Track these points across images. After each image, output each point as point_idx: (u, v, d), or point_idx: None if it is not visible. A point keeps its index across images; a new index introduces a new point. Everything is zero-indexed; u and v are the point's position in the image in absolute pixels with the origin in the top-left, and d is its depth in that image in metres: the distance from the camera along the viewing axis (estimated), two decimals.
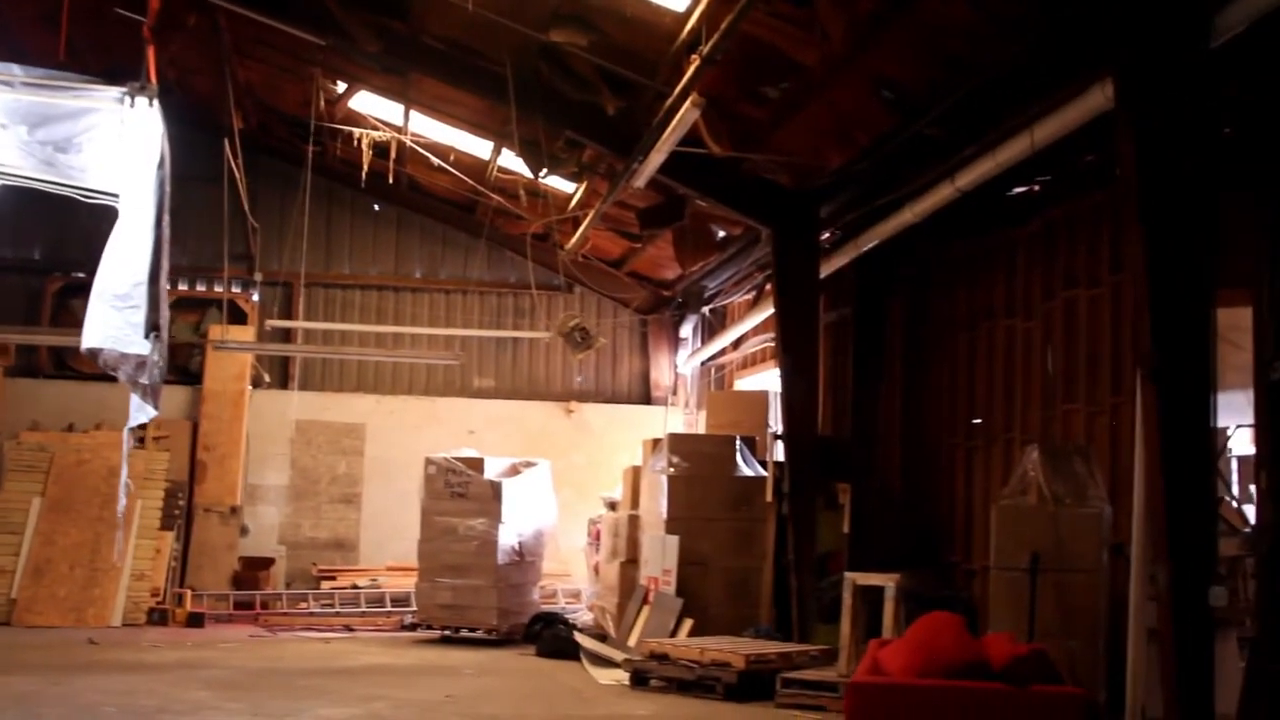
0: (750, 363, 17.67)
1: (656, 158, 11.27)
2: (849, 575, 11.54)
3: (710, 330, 18.97)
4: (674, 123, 10.43)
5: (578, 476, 18.57)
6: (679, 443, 14.16)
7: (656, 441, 14.61)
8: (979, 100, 9.79)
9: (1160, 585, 6.66)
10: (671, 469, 13.72)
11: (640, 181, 12.02)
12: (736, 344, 17.82)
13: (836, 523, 13.30)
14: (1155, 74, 6.77)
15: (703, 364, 19.41)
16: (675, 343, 20.24)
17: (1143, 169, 6.84)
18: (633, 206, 15.41)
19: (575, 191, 15.85)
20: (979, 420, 13.09)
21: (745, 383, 17.70)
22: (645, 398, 20.34)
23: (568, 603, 17.47)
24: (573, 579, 18.21)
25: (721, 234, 15.77)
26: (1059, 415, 11.77)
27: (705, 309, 18.85)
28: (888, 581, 10.98)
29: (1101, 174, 10.03)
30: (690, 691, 10.88)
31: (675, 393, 20.13)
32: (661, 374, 20.38)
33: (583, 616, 15.98)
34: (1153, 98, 6.77)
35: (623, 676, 11.78)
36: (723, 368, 18.75)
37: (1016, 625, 9.88)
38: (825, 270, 13.37)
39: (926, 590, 11.85)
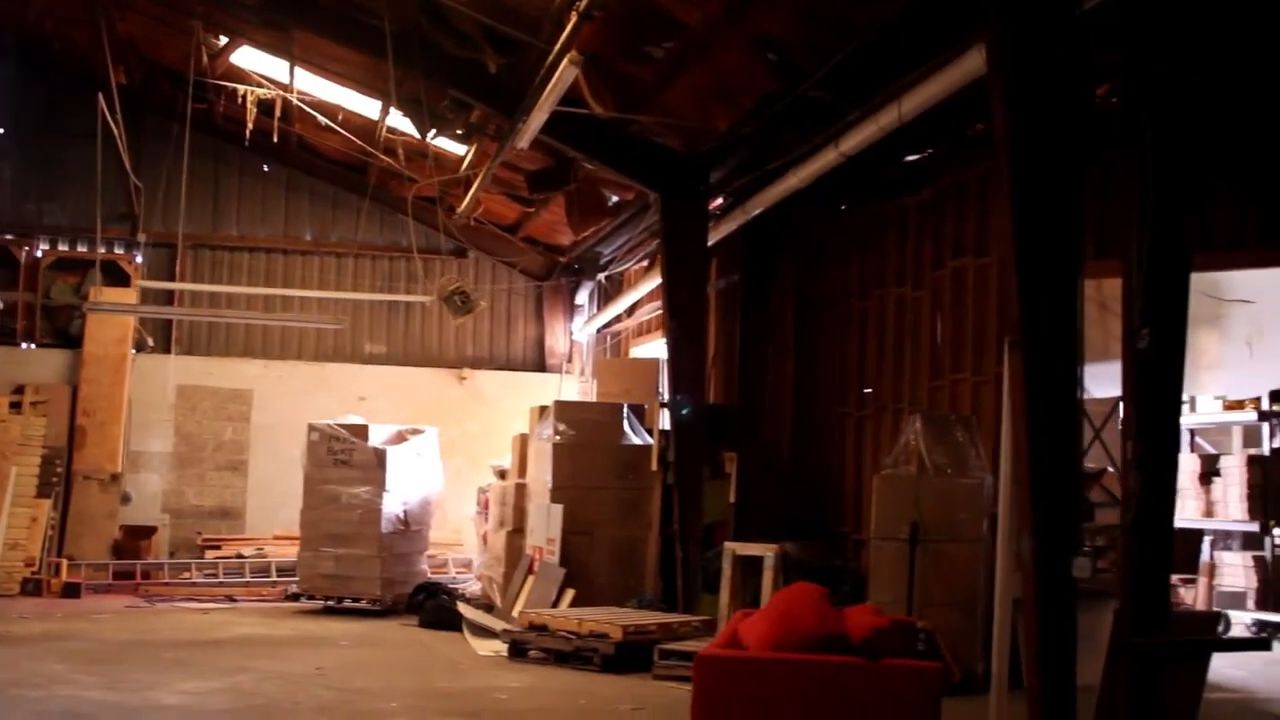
0: (644, 330, 17.46)
1: (538, 117, 10.98)
2: (728, 545, 11.45)
3: (605, 297, 18.72)
4: (553, 81, 10.15)
5: (471, 444, 18.27)
6: (566, 410, 13.92)
7: (544, 409, 14.37)
8: (861, 62, 9.58)
9: (1024, 555, 6.54)
10: (558, 437, 13.49)
11: (523, 142, 11.72)
12: (630, 311, 17.60)
13: (724, 492, 13.18)
14: (1024, 37, 6.59)
15: (598, 331, 19.17)
16: (571, 309, 19.95)
17: (1013, 134, 6.67)
18: (524, 169, 15.10)
19: (466, 154, 15.50)
20: (869, 389, 13.02)
21: (640, 350, 17.49)
22: (540, 365, 20.00)
23: (458, 572, 17.21)
24: (464, 548, 17.93)
25: (614, 199, 15.49)
26: (947, 385, 11.74)
27: (601, 275, 18.59)
28: (767, 552, 10.86)
29: (990, 142, 9.89)
30: (568, 663, 10.69)
31: (570, 360, 19.87)
32: (557, 341, 20.07)
33: (472, 586, 15.75)
34: (1022, 61, 6.59)
35: (502, 648, 11.55)
36: (618, 335, 18.54)
37: (896, 596, 9.81)
38: (715, 236, 13.18)
39: (815, 560, 11.77)
